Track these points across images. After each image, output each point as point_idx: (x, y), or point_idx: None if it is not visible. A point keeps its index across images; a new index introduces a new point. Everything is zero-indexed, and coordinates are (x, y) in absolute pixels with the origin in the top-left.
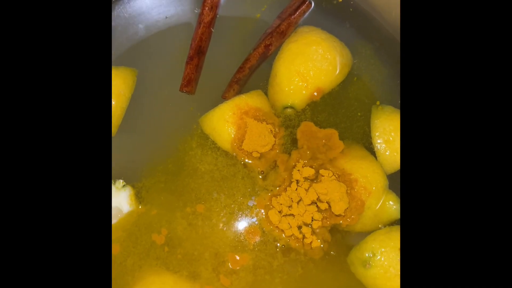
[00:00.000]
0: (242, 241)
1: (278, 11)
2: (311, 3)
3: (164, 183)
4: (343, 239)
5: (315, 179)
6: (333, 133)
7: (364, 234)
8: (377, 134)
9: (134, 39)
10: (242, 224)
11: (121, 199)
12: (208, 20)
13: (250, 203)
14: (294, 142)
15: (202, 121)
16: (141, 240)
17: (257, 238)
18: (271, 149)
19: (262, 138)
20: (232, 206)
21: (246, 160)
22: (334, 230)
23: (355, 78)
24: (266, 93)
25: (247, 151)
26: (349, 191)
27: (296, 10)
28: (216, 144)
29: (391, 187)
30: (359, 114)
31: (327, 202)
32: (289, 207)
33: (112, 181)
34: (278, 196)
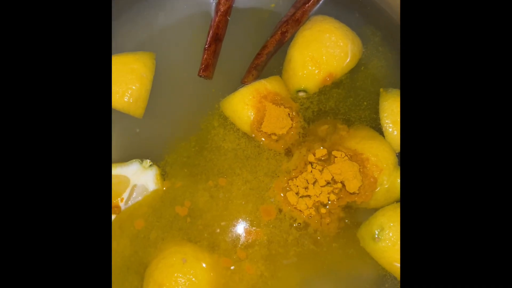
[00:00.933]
0: (259, 217)
1: (290, 2)
2: None
3: (187, 158)
4: (355, 216)
5: (327, 159)
6: (329, 125)
7: (375, 210)
8: (385, 115)
9: (154, 26)
10: (261, 201)
11: (148, 178)
12: (224, 9)
13: (271, 183)
14: (308, 123)
15: (222, 104)
16: (165, 214)
17: (273, 216)
18: (289, 132)
19: (280, 121)
20: (253, 182)
21: (263, 139)
22: (346, 207)
23: (363, 67)
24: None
25: (266, 133)
26: (361, 170)
27: None
28: (235, 126)
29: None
30: (365, 103)
31: (341, 182)
32: (305, 188)
33: (140, 160)
34: (295, 179)
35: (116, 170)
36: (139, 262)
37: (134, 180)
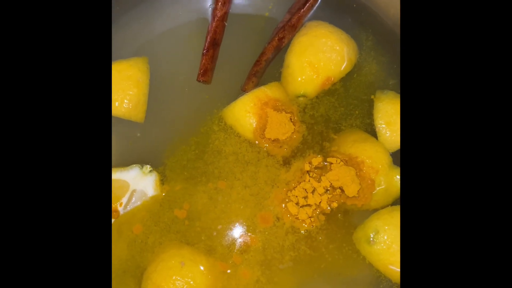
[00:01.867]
0: (256, 223)
1: (283, 8)
2: None
3: (187, 161)
4: (351, 219)
5: (324, 167)
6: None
7: (375, 211)
8: (379, 115)
9: (151, 32)
10: (259, 208)
11: (147, 183)
12: (221, 14)
13: (270, 192)
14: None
15: (224, 113)
16: (164, 218)
17: (270, 223)
18: (291, 136)
19: (283, 126)
20: (253, 188)
21: (267, 145)
22: (344, 210)
23: (355, 74)
24: None
25: (269, 139)
26: (358, 173)
27: (304, 4)
28: (238, 133)
29: (395, 163)
30: (357, 112)
31: (340, 188)
32: (304, 198)
33: (140, 165)
34: (293, 189)
35: (116, 175)
36: (136, 265)
37: (133, 185)
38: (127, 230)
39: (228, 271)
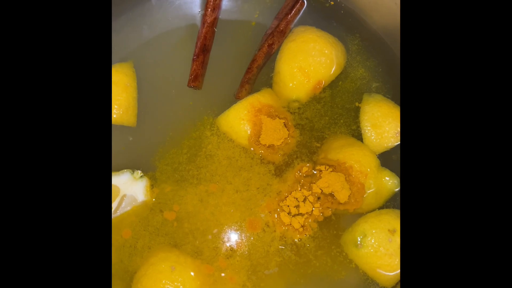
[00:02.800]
0: (244, 228)
1: (271, 13)
2: (304, 2)
3: (179, 164)
4: (338, 223)
5: (313, 175)
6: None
7: (361, 216)
8: (365, 118)
9: (139, 40)
10: (248, 213)
11: (137, 189)
12: (211, 20)
13: (262, 200)
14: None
15: (218, 121)
16: (153, 221)
17: (259, 230)
18: (286, 141)
19: (277, 132)
20: (245, 193)
21: (262, 151)
22: (336, 216)
23: (340, 82)
24: None
25: (264, 145)
26: (348, 178)
27: (291, 9)
28: (233, 140)
29: (382, 165)
30: (341, 121)
31: (330, 194)
32: (296, 207)
33: (131, 170)
34: (285, 199)
35: None
36: (124, 270)
37: (124, 190)
38: (116, 235)
39: (215, 275)
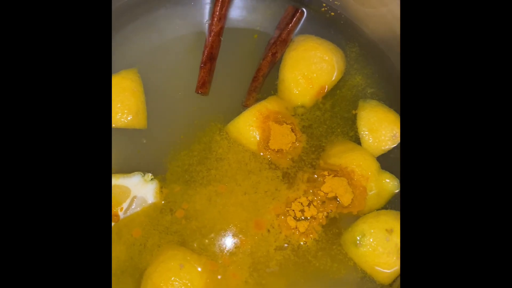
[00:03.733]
0: (250, 228)
1: (273, 23)
2: (303, 11)
3: (189, 166)
4: (339, 223)
5: (317, 180)
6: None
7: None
8: (362, 123)
9: (148, 48)
10: (255, 214)
11: (148, 191)
12: (217, 30)
13: (270, 204)
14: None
15: (228, 128)
16: (163, 221)
17: (263, 230)
18: (294, 145)
19: (286, 137)
20: (253, 196)
21: (270, 158)
22: (339, 218)
23: (338, 90)
24: None
25: (273, 150)
26: (350, 182)
27: (291, 18)
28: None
29: (381, 163)
30: (338, 130)
31: (334, 199)
32: (301, 211)
33: (142, 173)
34: (291, 204)
35: (119, 181)
36: (134, 267)
37: (134, 192)
38: (126, 234)
39: (219, 273)
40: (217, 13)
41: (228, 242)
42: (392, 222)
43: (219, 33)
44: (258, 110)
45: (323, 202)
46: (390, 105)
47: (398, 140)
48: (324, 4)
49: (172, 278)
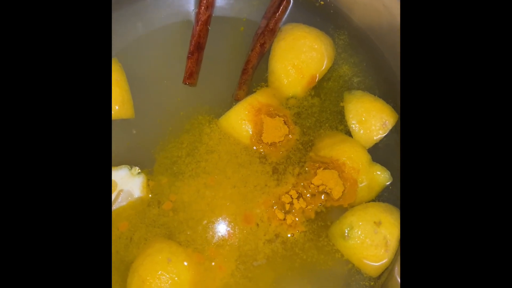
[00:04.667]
0: (238, 221)
1: (260, 11)
2: (289, 0)
3: (177, 158)
4: (327, 215)
5: (307, 172)
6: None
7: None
8: (351, 116)
9: (134, 37)
10: (244, 207)
11: (134, 185)
12: (205, 18)
13: (259, 198)
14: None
15: (220, 123)
16: (150, 214)
17: (252, 224)
18: (287, 137)
19: (278, 130)
20: (242, 189)
21: (263, 151)
22: (328, 210)
23: (324, 83)
24: None
25: (267, 143)
26: (341, 175)
27: (278, 7)
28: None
29: (372, 154)
30: (327, 125)
31: (325, 191)
32: (290, 203)
33: (129, 166)
34: (281, 197)
35: None
36: (120, 260)
37: (121, 185)
38: (112, 227)
39: (206, 267)
40: (204, 1)
41: (216, 234)
42: (380, 215)
43: (206, 22)
44: (249, 103)
45: (313, 195)
46: (379, 94)
47: (388, 128)
48: None
49: (159, 272)
